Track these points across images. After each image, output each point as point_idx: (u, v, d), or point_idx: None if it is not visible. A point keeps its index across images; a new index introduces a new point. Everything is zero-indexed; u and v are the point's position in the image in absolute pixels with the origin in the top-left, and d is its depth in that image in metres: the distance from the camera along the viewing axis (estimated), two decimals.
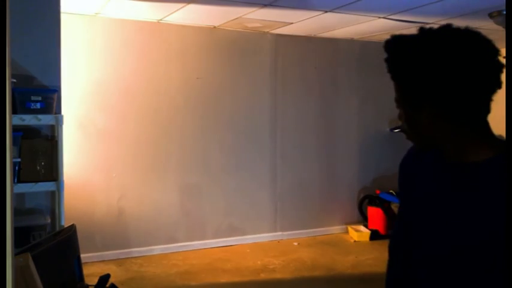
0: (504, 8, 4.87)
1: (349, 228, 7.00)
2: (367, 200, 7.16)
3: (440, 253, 1.33)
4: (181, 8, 5.20)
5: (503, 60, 1.27)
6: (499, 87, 1.26)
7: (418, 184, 1.45)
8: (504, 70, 1.27)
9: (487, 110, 1.30)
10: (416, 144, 1.40)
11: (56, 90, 4.12)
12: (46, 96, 4.01)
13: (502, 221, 1.19)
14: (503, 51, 1.30)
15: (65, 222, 3.95)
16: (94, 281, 2.94)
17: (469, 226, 1.27)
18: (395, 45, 1.31)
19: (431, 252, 1.36)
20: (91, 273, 5.07)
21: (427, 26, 1.28)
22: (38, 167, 3.93)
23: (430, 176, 1.41)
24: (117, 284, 2.99)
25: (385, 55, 1.32)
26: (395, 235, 1.56)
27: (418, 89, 1.26)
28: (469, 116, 1.27)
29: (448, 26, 1.27)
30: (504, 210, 1.19)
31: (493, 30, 5.96)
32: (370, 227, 6.92)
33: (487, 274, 1.25)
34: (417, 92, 1.27)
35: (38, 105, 3.97)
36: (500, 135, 1.41)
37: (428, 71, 1.23)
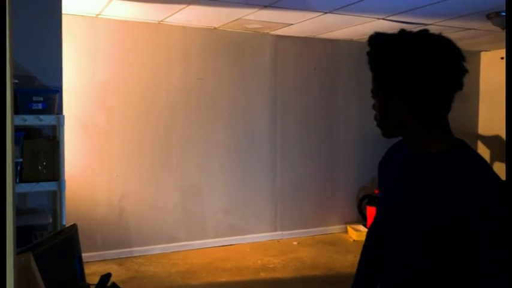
0: (502, 9, 4.89)
1: (349, 228, 7.03)
2: (366, 199, 7.18)
3: (406, 234, 1.52)
4: (182, 9, 5.22)
5: (467, 66, 1.43)
6: (460, 88, 1.43)
7: (390, 174, 1.66)
8: (466, 74, 1.43)
9: (448, 108, 1.46)
10: (384, 131, 1.54)
11: (57, 90, 4.14)
12: (48, 96, 4.02)
13: (456, 206, 1.37)
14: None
15: (66, 222, 3.97)
16: (95, 280, 2.93)
17: (428, 209, 1.44)
18: (376, 41, 1.48)
19: (396, 233, 1.57)
20: (92, 272, 5.09)
21: (408, 29, 1.45)
22: (40, 167, 3.93)
23: (399, 165, 1.61)
24: (118, 283, 2.99)
25: (367, 49, 1.49)
26: (374, 219, 1.83)
27: (390, 80, 1.44)
28: (431, 111, 1.44)
29: (424, 31, 1.44)
30: (459, 197, 1.37)
31: (491, 31, 5.99)
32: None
33: (444, 254, 1.43)
34: (389, 83, 1.45)
35: (40, 106, 3.98)
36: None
37: (399, 66, 1.41)
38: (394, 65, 1.42)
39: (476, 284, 1.37)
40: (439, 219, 1.41)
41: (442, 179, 1.43)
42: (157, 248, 6.10)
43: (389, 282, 1.64)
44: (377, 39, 1.47)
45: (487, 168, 1.42)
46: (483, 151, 7.84)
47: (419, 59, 1.40)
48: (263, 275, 5.43)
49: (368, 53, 1.48)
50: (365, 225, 7.01)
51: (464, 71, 1.42)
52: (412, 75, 1.40)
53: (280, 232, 6.89)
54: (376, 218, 1.86)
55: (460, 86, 1.43)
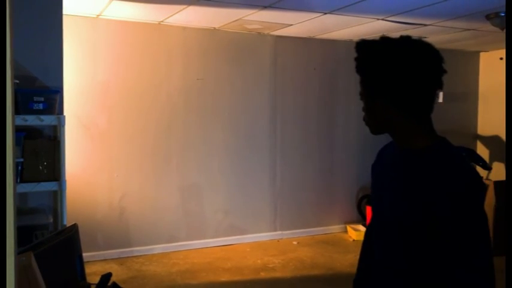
0: (501, 10, 4.91)
1: (348, 228, 7.05)
2: (365, 199, 7.20)
3: (390, 225, 1.63)
4: (182, 9, 5.24)
5: (445, 67, 1.56)
6: (440, 87, 1.56)
7: (381, 173, 1.79)
8: (444, 75, 1.56)
9: (430, 106, 1.58)
10: (372, 129, 1.65)
11: (58, 91, 4.15)
12: (48, 97, 4.03)
13: (426, 196, 1.48)
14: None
15: (67, 222, 3.99)
16: (96, 279, 2.95)
17: (408, 203, 1.55)
18: (362, 47, 1.60)
19: (383, 225, 1.68)
20: (93, 272, 5.12)
21: (388, 35, 1.60)
22: (41, 167, 3.95)
23: (389, 164, 1.73)
24: (118, 283, 3.01)
25: (355, 55, 1.59)
26: (370, 219, 1.90)
27: (375, 83, 1.57)
28: (413, 109, 1.55)
29: (406, 37, 1.57)
30: (430, 186, 1.48)
31: (490, 32, 6.00)
32: None
33: (426, 246, 1.51)
34: (374, 85, 1.57)
35: (41, 106, 3.99)
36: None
37: (383, 69, 1.54)
38: (379, 68, 1.55)
39: (452, 276, 1.45)
40: (414, 212, 1.52)
41: (419, 172, 1.55)
42: (158, 248, 6.12)
43: (379, 279, 1.71)
44: (362, 45, 1.60)
45: (461, 160, 1.53)
46: (482, 151, 7.85)
47: (401, 62, 1.52)
48: (263, 275, 5.45)
49: (355, 59, 1.60)
50: (364, 225, 7.02)
51: (443, 71, 1.55)
52: (395, 77, 1.52)
53: (280, 232, 6.90)
54: (371, 219, 1.94)
55: (439, 85, 1.56)
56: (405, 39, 1.57)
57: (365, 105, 1.63)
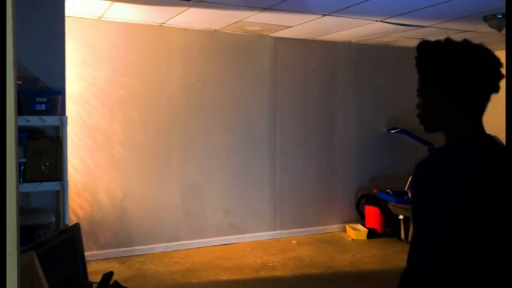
0: (498, 11, 4.95)
1: (347, 227, 7.08)
2: (364, 199, 7.23)
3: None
4: (183, 11, 5.27)
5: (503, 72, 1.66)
6: (496, 91, 1.65)
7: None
8: (503, 80, 1.63)
9: (483, 109, 1.68)
10: (426, 124, 1.75)
11: (60, 92, 4.19)
12: (51, 97, 4.08)
13: None
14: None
15: (69, 221, 4.04)
16: (97, 278, 2.99)
17: None
18: (424, 47, 1.70)
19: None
20: (95, 270, 5.16)
21: (452, 38, 1.69)
22: (43, 167, 3.98)
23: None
24: (120, 282, 3.05)
25: (415, 54, 1.72)
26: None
27: (435, 79, 1.67)
28: (467, 108, 1.65)
29: (467, 40, 1.66)
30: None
31: (487, 33, 6.04)
32: (368, 226, 6.99)
33: None
34: (433, 81, 1.67)
35: (43, 107, 4.04)
36: (496, 136, 1.72)
37: (444, 68, 1.64)
38: (441, 67, 1.65)
39: None
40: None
41: None
42: (159, 247, 6.15)
43: None
44: (425, 45, 1.70)
45: (435, 152, 1.73)
46: None
47: (462, 62, 1.62)
48: (263, 274, 5.47)
49: (416, 57, 1.71)
50: (363, 225, 7.05)
51: (501, 76, 1.64)
52: (455, 75, 1.62)
53: (279, 231, 6.94)
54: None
55: (496, 89, 1.65)
56: (467, 42, 1.66)
57: (422, 101, 1.72)
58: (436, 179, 1.57)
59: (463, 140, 1.66)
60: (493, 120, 8.66)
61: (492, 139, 1.69)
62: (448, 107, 1.66)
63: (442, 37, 1.69)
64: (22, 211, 4.03)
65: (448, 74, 1.63)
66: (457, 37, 1.61)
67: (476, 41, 1.67)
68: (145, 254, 6.03)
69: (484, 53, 1.64)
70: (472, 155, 1.62)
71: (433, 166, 1.60)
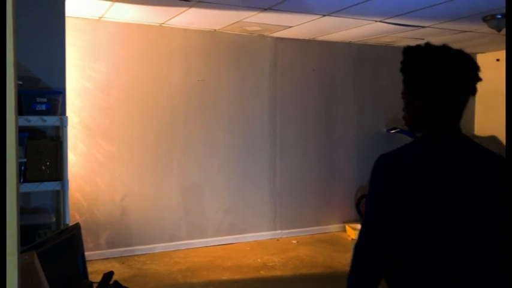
0: (498, 12, 4.96)
1: (347, 227, 7.08)
2: (364, 199, 7.20)
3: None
4: (183, 11, 5.28)
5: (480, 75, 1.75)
6: (473, 94, 1.74)
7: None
8: (478, 82, 1.74)
9: (460, 110, 1.76)
10: (407, 124, 1.85)
11: (60, 92, 4.20)
12: (51, 98, 4.08)
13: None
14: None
15: (70, 221, 4.05)
16: (98, 278, 2.98)
17: None
18: (405, 52, 1.81)
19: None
20: (95, 270, 5.17)
21: (432, 43, 1.78)
22: (43, 167, 3.99)
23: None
24: (120, 281, 3.04)
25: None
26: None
27: (415, 82, 1.76)
28: (445, 109, 1.73)
29: (445, 45, 1.76)
30: None
31: (486, 34, 6.05)
32: None
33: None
34: (414, 84, 1.77)
35: (43, 107, 4.04)
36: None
37: (423, 71, 1.74)
38: (420, 70, 1.75)
39: None
40: None
41: None
42: (159, 247, 6.17)
43: None
44: (408, 50, 1.80)
45: (398, 149, 1.80)
46: None
47: (440, 66, 1.72)
48: (263, 273, 5.49)
49: (401, 62, 1.81)
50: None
51: (478, 79, 1.74)
52: (433, 79, 1.72)
53: (279, 231, 6.95)
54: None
55: (473, 91, 1.74)
56: (446, 47, 1.75)
57: (405, 103, 1.82)
58: (383, 173, 1.75)
59: (427, 139, 1.76)
60: (489, 121, 8.59)
61: (467, 140, 1.75)
62: (426, 108, 1.74)
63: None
64: (22, 211, 4.03)
65: (425, 77, 1.73)
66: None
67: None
68: (146, 253, 6.04)
69: (461, 57, 1.73)
70: (428, 154, 1.72)
71: (386, 161, 1.76)
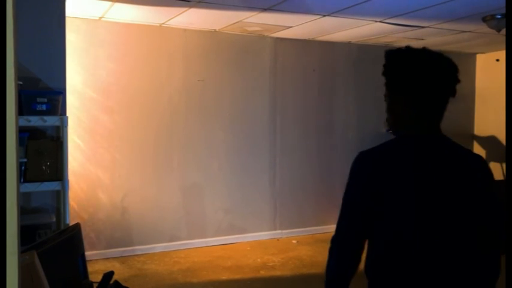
0: (497, 12, 4.97)
1: None
2: None
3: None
4: (183, 12, 5.28)
5: (459, 77, 1.79)
6: (453, 95, 1.78)
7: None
8: (458, 83, 1.78)
9: (440, 111, 1.80)
10: (389, 125, 1.89)
11: (61, 92, 4.21)
12: (51, 98, 4.09)
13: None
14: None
15: (70, 221, 4.05)
16: (98, 278, 2.98)
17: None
18: (389, 55, 1.83)
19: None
20: (95, 270, 5.18)
21: (412, 46, 1.81)
22: (44, 167, 3.99)
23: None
24: (120, 281, 3.05)
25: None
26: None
27: (396, 84, 1.80)
28: (425, 110, 1.76)
29: (425, 48, 1.79)
30: None
31: (486, 34, 6.05)
32: None
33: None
34: (395, 86, 1.81)
35: (44, 107, 4.05)
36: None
37: (404, 73, 1.77)
38: (401, 73, 1.78)
39: None
40: None
41: None
42: (159, 247, 6.17)
43: None
44: (390, 53, 1.83)
45: (377, 146, 1.86)
46: (479, 151, 7.87)
47: (421, 68, 1.75)
48: (263, 273, 5.49)
49: (383, 65, 1.84)
50: None
51: (457, 80, 1.77)
52: (414, 80, 1.75)
53: (279, 231, 6.96)
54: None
55: (453, 92, 1.77)
56: (426, 50, 1.79)
57: (387, 105, 1.86)
58: (362, 169, 1.87)
59: (406, 138, 1.80)
60: (489, 121, 8.63)
61: (447, 140, 1.79)
62: (407, 109, 1.78)
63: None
64: (23, 211, 4.04)
65: (406, 79, 1.76)
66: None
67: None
68: (146, 253, 6.04)
69: (440, 60, 1.76)
70: (407, 152, 1.76)
71: (365, 158, 1.85)
